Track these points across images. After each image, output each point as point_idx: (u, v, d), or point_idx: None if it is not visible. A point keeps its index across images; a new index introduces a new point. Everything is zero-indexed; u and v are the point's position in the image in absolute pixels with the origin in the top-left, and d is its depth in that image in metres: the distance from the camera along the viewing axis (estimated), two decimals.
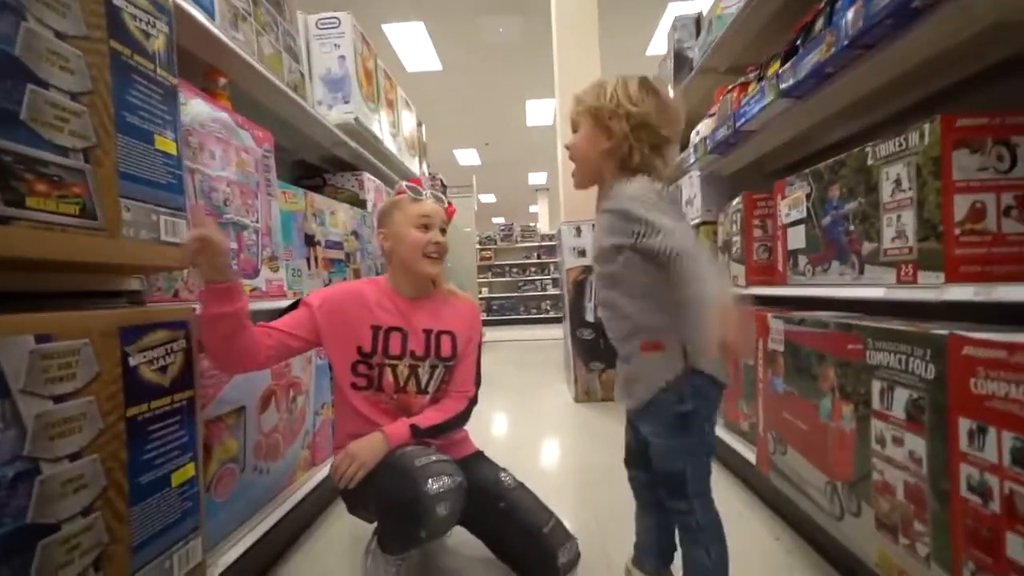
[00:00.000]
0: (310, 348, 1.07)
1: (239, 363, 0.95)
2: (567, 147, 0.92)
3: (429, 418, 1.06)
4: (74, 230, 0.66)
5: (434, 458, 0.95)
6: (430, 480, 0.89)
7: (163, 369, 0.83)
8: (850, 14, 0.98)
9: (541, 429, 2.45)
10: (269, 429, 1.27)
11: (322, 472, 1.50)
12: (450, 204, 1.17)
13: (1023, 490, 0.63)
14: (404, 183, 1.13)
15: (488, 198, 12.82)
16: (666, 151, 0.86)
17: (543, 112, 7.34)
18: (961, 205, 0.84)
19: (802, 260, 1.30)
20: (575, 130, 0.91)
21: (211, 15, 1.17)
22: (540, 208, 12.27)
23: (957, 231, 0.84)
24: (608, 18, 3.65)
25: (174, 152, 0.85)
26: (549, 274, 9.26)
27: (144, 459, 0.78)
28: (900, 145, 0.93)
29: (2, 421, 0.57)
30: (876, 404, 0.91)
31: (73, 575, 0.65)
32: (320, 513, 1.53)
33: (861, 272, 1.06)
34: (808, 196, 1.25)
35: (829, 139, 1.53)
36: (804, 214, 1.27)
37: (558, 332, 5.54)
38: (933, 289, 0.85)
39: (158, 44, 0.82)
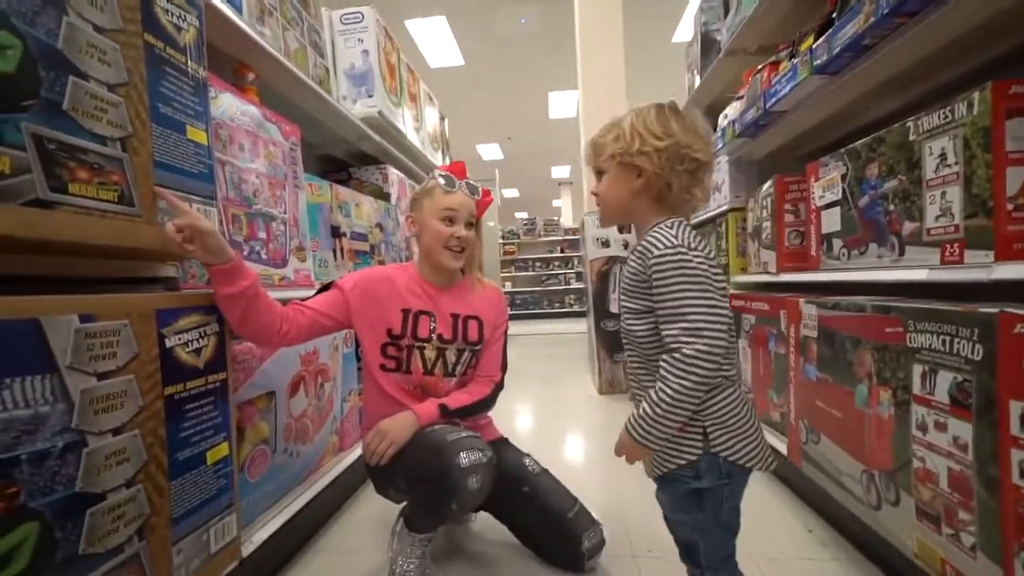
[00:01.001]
0: (340, 329, 1.09)
1: (264, 338, 0.96)
2: (594, 194, 0.87)
3: (458, 399, 1.08)
4: (113, 216, 0.69)
5: (465, 434, 0.97)
6: (462, 453, 0.91)
7: (197, 351, 0.86)
8: None
9: (565, 419, 2.44)
10: (299, 414, 1.31)
11: (350, 457, 1.53)
12: (486, 193, 1.15)
13: None
14: (438, 170, 1.11)
15: (511, 193, 12.81)
16: (703, 176, 0.80)
17: (566, 104, 7.26)
18: (1014, 178, 0.78)
19: (837, 244, 1.25)
20: (598, 175, 0.85)
21: (239, 10, 1.20)
22: (563, 202, 12.18)
23: (1010, 206, 0.79)
24: (632, 5, 3.57)
25: (204, 142, 0.88)
26: (572, 268, 9.20)
27: (181, 436, 0.82)
28: (945, 117, 0.88)
29: (52, 395, 0.60)
30: (917, 389, 0.87)
31: (118, 542, 0.69)
32: (349, 496, 1.57)
33: (901, 254, 1.01)
34: (844, 176, 1.20)
35: (866, 118, 1.46)
36: (839, 195, 1.22)
37: (581, 326, 5.51)
38: (982, 269, 0.80)
39: (189, 38, 0.85)
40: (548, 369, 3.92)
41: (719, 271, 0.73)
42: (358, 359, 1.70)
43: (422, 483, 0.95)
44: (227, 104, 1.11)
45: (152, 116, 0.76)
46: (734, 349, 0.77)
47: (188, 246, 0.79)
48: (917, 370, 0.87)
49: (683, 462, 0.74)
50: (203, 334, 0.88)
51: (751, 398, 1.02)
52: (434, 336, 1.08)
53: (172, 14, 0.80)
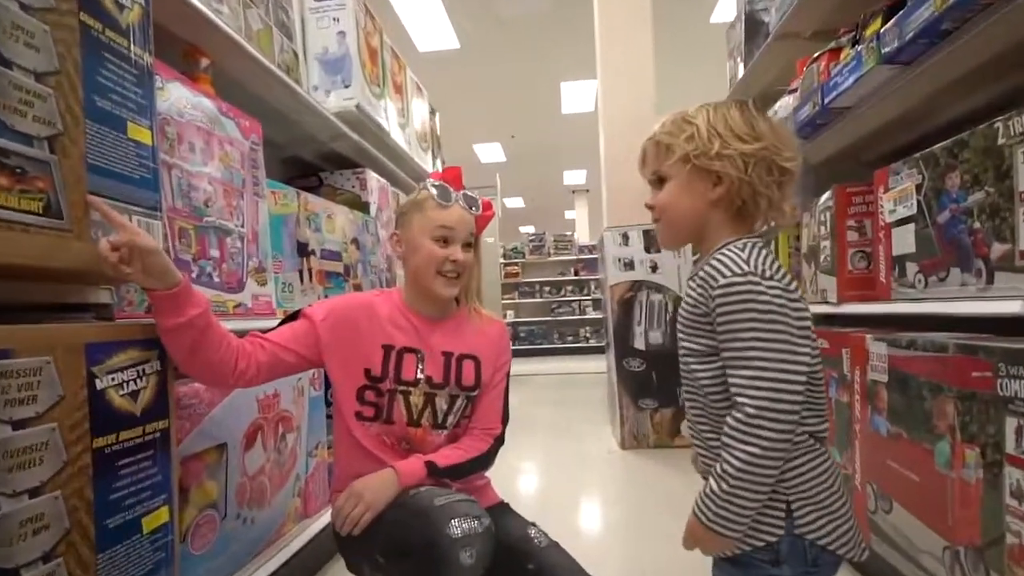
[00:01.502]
0: (307, 368, 1.09)
1: (216, 378, 0.96)
2: (650, 207, 0.85)
3: (448, 456, 1.07)
4: (36, 230, 0.70)
5: (456, 498, 0.95)
6: (453, 521, 0.89)
7: (134, 395, 0.87)
8: None
9: (580, 482, 2.42)
10: (255, 471, 1.30)
11: (317, 524, 1.52)
12: (487, 205, 1.15)
13: None
14: (430, 180, 1.11)
15: (515, 202, 12.96)
16: (790, 189, 0.78)
17: (581, 97, 7.39)
18: None
19: (911, 268, 1.26)
20: (658, 183, 0.83)
21: None
22: (578, 214, 12.31)
23: None
24: None
25: (149, 142, 0.91)
26: (589, 294, 9.22)
27: (112, 499, 0.81)
28: None
29: None
30: (1011, 447, 0.87)
31: None
32: (314, 574, 1.54)
33: (990, 281, 1.02)
34: (919, 187, 1.22)
35: (945, 117, 1.49)
36: (914, 210, 1.24)
37: (600, 364, 5.49)
38: None
39: (133, 17, 0.88)
40: (559, 418, 3.90)
41: (800, 304, 0.71)
42: (327, 405, 1.70)
43: (404, 557, 0.93)
44: (176, 96, 1.14)
45: (86, 111, 0.77)
46: (822, 400, 0.76)
47: (125, 268, 0.79)
48: (1011, 424, 0.87)
49: (760, 543, 0.71)
50: (141, 373, 0.88)
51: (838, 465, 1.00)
52: (421, 379, 1.08)
53: None
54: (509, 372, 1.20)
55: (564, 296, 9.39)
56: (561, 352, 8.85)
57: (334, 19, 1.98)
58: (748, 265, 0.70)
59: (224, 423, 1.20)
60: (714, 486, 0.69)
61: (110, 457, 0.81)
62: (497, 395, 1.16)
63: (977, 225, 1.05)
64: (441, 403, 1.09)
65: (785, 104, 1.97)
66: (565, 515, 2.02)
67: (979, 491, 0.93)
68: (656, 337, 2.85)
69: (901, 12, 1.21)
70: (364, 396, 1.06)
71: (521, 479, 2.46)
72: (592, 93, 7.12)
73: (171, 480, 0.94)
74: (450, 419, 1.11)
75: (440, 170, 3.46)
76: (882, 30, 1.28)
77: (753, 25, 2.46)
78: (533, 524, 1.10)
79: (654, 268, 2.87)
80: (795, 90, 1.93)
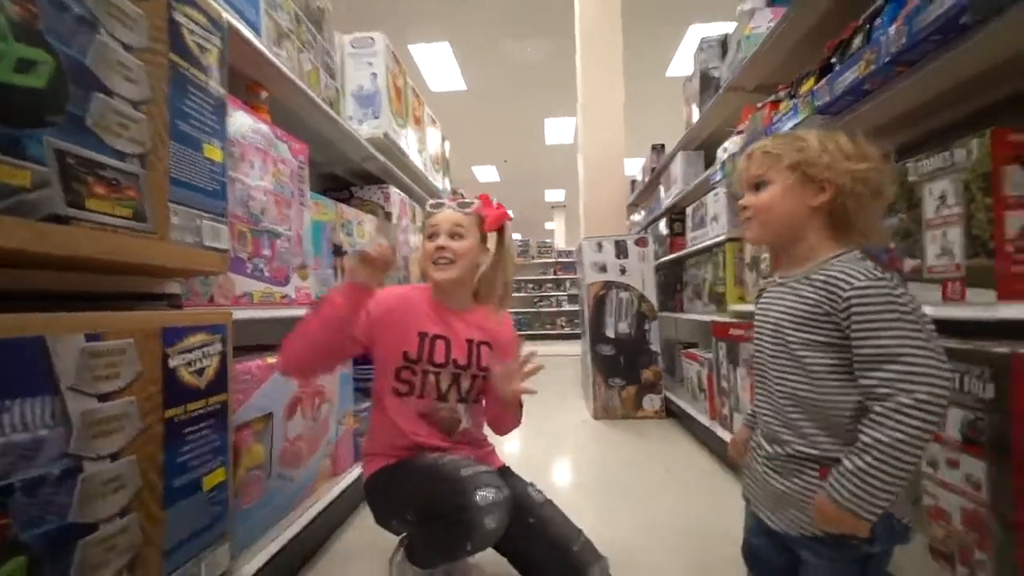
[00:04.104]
0: (360, 352, 1.06)
1: (328, 362, 1.00)
2: (746, 206, 0.77)
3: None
4: (126, 232, 0.67)
5: (481, 469, 0.94)
6: (479, 491, 0.88)
7: (200, 372, 0.84)
8: (892, 30, 0.97)
9: (560, 447, 2.41)
10: (294, 436, 1.27)
11: (344, 482, 1.48)
12: (487, 203, 1.13)
13: None
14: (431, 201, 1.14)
15: None
16: (882, 211, 0.73)
17: (562, 130, 7.41)
18: (1015, 223, 0.81)
19: None
20: (757, 187, 0.76)
21: (258, 32, 1.21)
22: (556, 224, 12.31)
23: (1010, 248, 0.81)
24: (630, 38, 3.69)
25: (220, 160, 0.88)
26: (565, 290, 9.23)
27: (179, 462, 0.78)
28: (945, 161, 0.90)
29: (52, 418, 0.58)
30: None
31: None
32: (341, 524, 1.51)
33: None
34: None
35: None
36: None
37: (574, 349, 5.48)
38: (984, 307, 0.82)
39: (211, 58, 0.85)
40: (540, 393, 3.87)
41: (927, 316, 0.63)
42: (354, 381, 1.67)
43: (435, 519, 0.91)
44: (240, 122, 1.10)
45: (171, 133, 0.75)
46: None
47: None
48: None
49: None
50: (206, 354, 0.85)
51: None
52: (450, 362, 1.06)
53: (197, 34, 0.81)
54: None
55: (545, 292, 9.39)
56: (542, 338, 8.83)
57: (368, 63, 1.95)
58: (878, 272, 0.64)
59: (271, 395, 1.16)
60: (852, 464, 0.61)
61: (178, 425, 0.78)
62: None
63: (891, 245, 1.05)
64: (464, 381, 1.08)
65: (734, 142, 1.98)
66: (548, 474, 2.01)
67: None
68: (623, 327, 2.85)
69: (831, 74, 1.22)
70: (401, 375, 1.04)
71: (510, 443, 2.44)
72: (571, 128, 7.14)
73: (227, 445, 0.91)
74: (471, 395, 1.09)
75: (449, 186, 3.44)
76: (815, 88, 1.29)
77: (706, 80, 2.50)
78: (531, 484, 1.09)
79: (623, 271, 2.87)
80: (742, 131, 1.93)
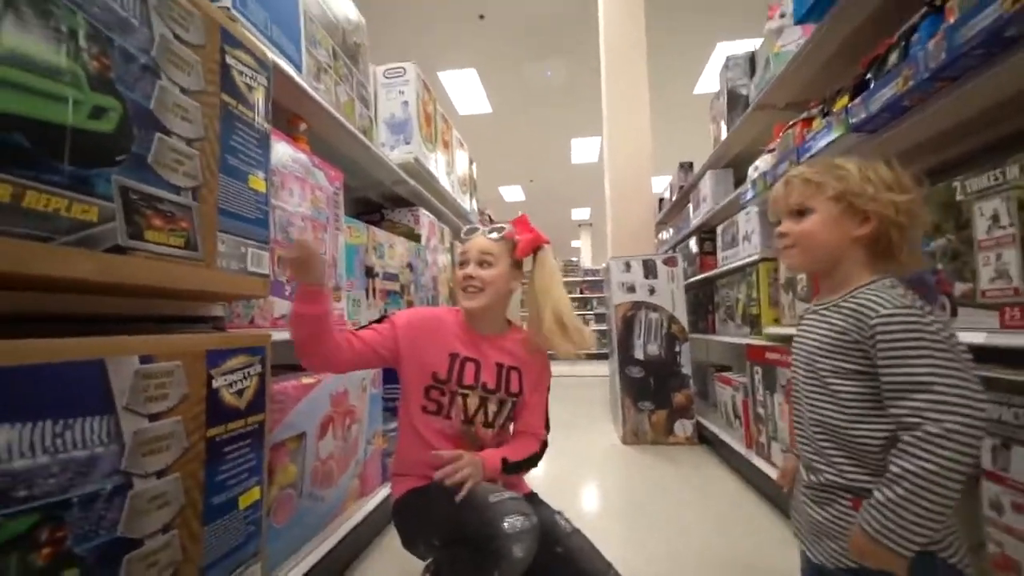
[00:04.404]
0: (383, 365, 1.08)
1: (325, 362, 0.98)
2: (785, 233, 0.77)
3: (516, 453, 1.05)
4: (178, 260, 0.72)
5: (508, 495, 0.93)
6: (507, 519, 0.86)
7: (240, 392, 0.87)
8: (930, 45, 0.95)
9: (588, 472, 2.36)
10: (326, 456, 1.29)
11: (372, 502, 1.50)
12: (520, 225, 1.14)
13: None
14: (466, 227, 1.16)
15: None
16: (920, 239, 0.75)
17: (588, 150, 7.46)
18: None
19: None
20: (799, 214, 0.75)
21: (299, 68, 1.28)
22: (583, 243, 12.28)
23: None
24: (656, 58, 3.72)
25: (263, 189, 0.93)
26: (592, 309, 9.14)
27: (218, 480, 0.81)
28: (996, 179, 0.87)
29: (107, 436, 0.61)
30: (987, 464, 0.82)
31: None
32: (368, 544, 1.52)
33: (953, 315, 0.98)
34: None
35: None
36: None
37: (601, 369, 5.40)
38: None
39: (258, 96, 0.91)
40: (568, 414, 3.83)
41: (960, 343, 0.62)
42: (383, 400, 1.69)
43: (462, 546, 0.91)
44: (281, 152, 1.17)
45: (221, 167, 0.80)
46: None
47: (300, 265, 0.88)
48: (986, 443, 0.82)
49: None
50: (247, 375, 0.89)
51: None
52: (479, 385, 1.07)
53: (246, 75, 0.87)
54: (549, 388, 1.18)
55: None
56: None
57: (400, 91, 2.04)
58: (907, 299, 0.64)
59: (305, 415, 1.19)
60: (882, 497, 0.60)
61: (219, 444, 0.81)
62: (540, 404, 1.14)
63: (940, 266, 1.01)
64: (492, 405, 1.08)
65: (765, 160, 1.95)
66: (575, 500, 1.97)
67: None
68: (653, 349, 2.80)
69: (866, 91, 1.20)
70: (430, 394, 1.05)
71: (536, 468, 2.41)
72: (596, 147, 7.17)
73: (263, 464, 0.94)
74: (498, 419, 1.09)
75: (476, 207, 3.49)
76: (850, 105, 1.26)
77: (733, 97, 2.48)
78: (559, 512, 1.07)
79: (652, 291, 2.83)
80: (773, 150, 1.91)
